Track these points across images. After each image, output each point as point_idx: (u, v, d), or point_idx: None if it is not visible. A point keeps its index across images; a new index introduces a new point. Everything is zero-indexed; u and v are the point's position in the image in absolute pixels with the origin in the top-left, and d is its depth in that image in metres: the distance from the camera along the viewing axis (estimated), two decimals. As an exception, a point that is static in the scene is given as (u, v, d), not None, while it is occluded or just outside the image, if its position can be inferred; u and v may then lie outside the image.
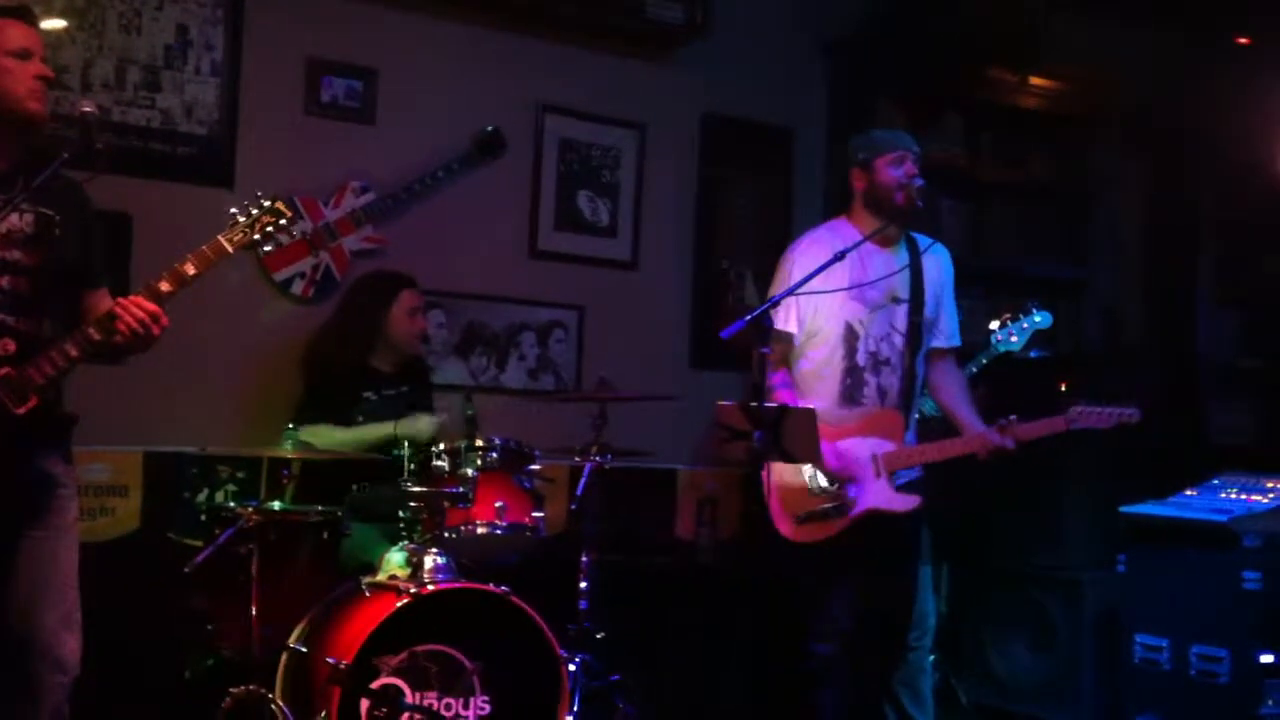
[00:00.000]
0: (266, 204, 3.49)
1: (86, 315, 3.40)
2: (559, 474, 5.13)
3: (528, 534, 4.44)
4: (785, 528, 4.17)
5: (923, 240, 4.35)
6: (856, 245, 4.08)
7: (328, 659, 3.76)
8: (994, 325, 5.10)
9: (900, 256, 4.30)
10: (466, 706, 3.95)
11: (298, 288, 5.18)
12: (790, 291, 3.98)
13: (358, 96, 5.33)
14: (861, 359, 4.23)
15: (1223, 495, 5.08)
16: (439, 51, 5.52)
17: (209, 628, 4.06)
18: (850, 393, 4.24)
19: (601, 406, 4.80)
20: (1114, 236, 6.90)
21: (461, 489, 4.28)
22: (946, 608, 5.63)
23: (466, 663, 3.95)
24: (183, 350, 4.53)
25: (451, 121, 5.49)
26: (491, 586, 4.00)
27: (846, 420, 4.18)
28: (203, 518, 4.26)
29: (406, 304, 4.89)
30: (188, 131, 5.01)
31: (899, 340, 4.26)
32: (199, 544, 4.05)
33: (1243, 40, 6.47)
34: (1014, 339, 5.05)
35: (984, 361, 5.10)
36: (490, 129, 5.51)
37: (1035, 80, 6.49)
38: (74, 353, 3.28)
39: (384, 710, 3.79)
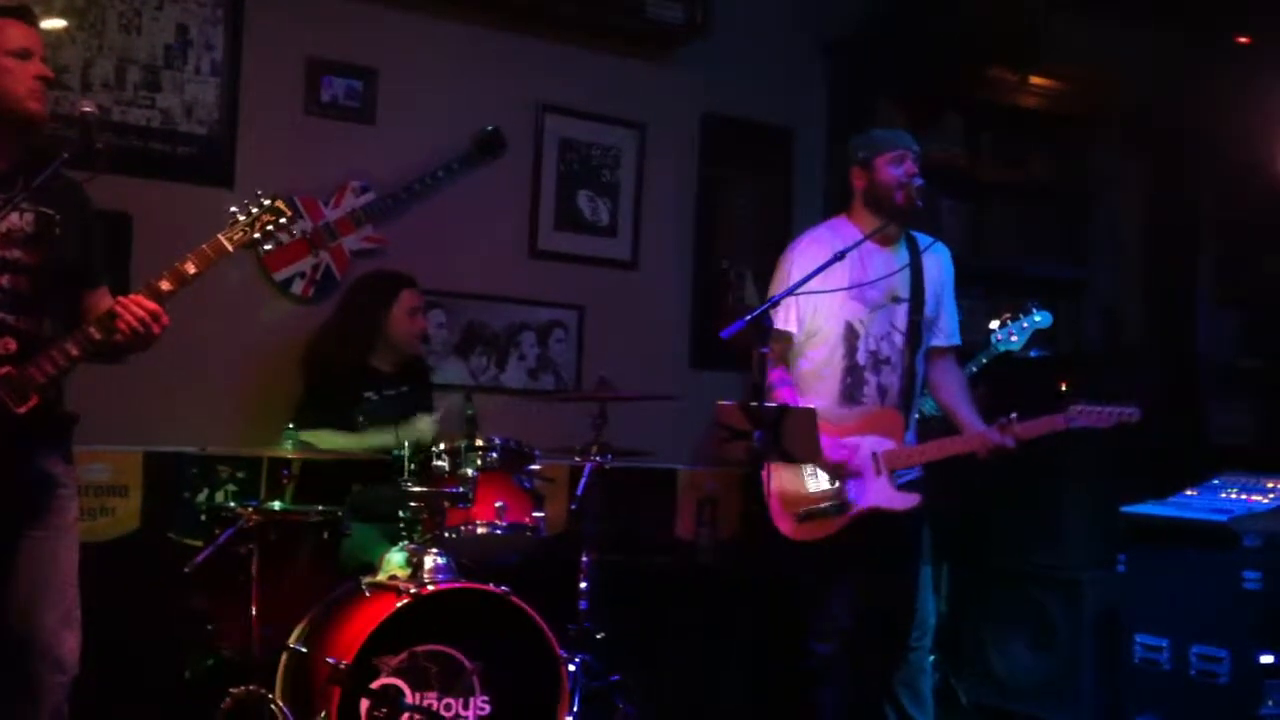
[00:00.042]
0: (266, 203, 3.49)
1: (87, 314, 3.40)
2: (559, 474, 5.13)
3: (528, 534, 4.44)
4: (785, 526, 4.17)
5: (923, 239, 4.36)
6: (857, 245, 4.08)
7: (328, 659, 3.76)
8: (994, 325, 5.10)
9: (900, 255, 4.30)
10: (466, 707, 3.95)
11: (298, 287, 5.18)
12: (790, 291, 3.98)
13: (358, 96, 5.33)
14: (862, 358, 4.23)
15: (1223, 495, 5.08)
16: (439, 51, 5.52)
17: (209, 628, 4.06)
18: (850, 392, 4.24)
19: (601, 406, 4.79)
20: (1114, 236, 6.90)
21: (461, 489, 4.28)
22: (946, 607, 5.63)
23: (466, 663, 3.95)
24: (183, 350, 4.53)
25: (451, 121, 5.49)
26: (491, 586, 4.00)
27: (847, 419, 4.18)
28: (203, 518, 4.26)
29: (407, 304, 4.89)
30: (188, 131, 5.01)
31: (899, 339, 4.26)
32: (199, 544, 4.05)
33: (1243, 40, 6.47)
34: (1014, 339, 5.06)
35: (984, 361, 5.10)
36: (490, 129, 5.51)
37: (1035, 80, 6.49)
38: (74, 352, 3.28)
39: (384, 710, 3.79)
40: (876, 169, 4.25)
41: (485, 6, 5.55)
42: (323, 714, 3.73)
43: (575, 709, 4.28)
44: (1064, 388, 5.83)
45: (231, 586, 4.00)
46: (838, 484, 4.12)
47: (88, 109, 3.43)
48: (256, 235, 3.49)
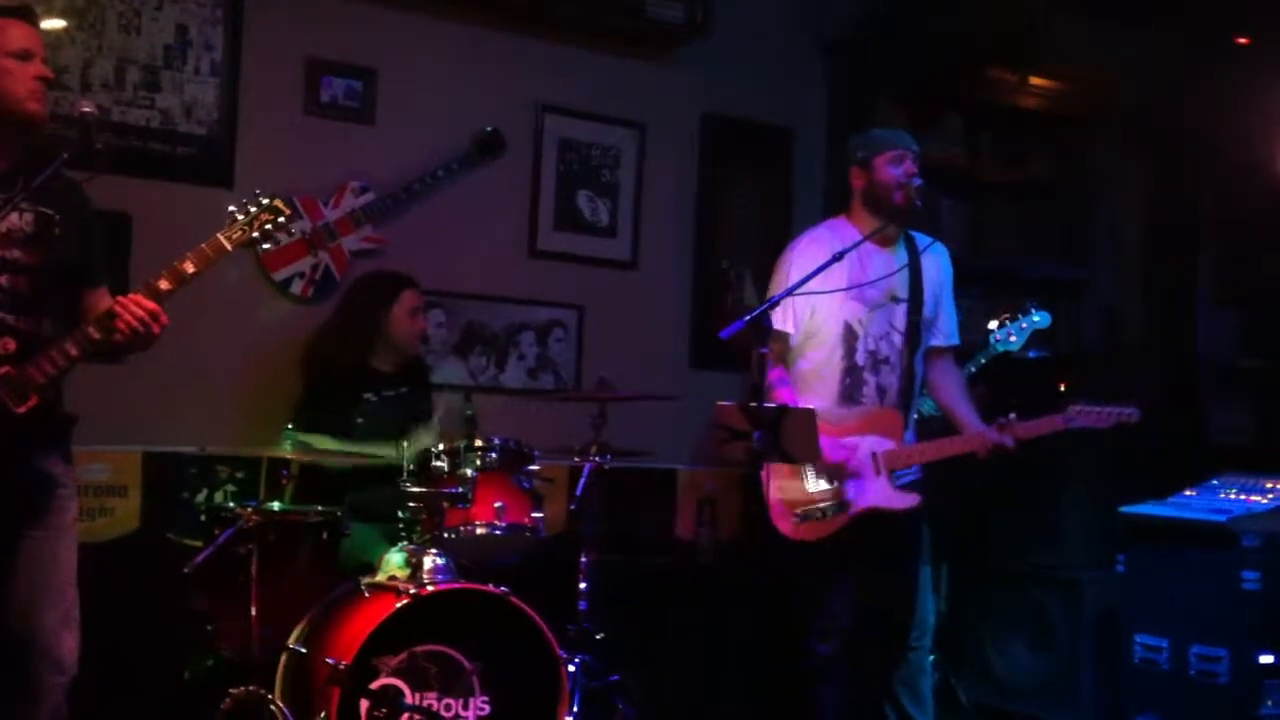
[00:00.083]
0: (265, 201, 3.49)
1: (86, 314, 3.40)
2: (558, 474, 5.13)
3: (527, 534, 4.44)
4: (785, 526, 4.17)
5: (922, 239, 4.35)
6: (856, 245, 4.08)
7: (327, 659, 3.76)
8: (993, 325, 5.09)
9: (899, 256, 4.30)
10: (466, 707, 3.95)
11: (297, 287, 5.17)
12: (789, 292, 3.98)
13: (357, 96, 5.32)
14: (861, 358, 4.23)
15: (1222, 495, 5.08)
16: (438, 51, 5.52)
17: (208, 628, 4.06)
18: (849, 392, 4.24)
19: (601, 406, 4.79)
20: (1114, 236, 6.90)
21: (461, 489, 4.28)
22: (946, 607, 5.63)
23: (466, 663, 3.95)
24: (182, 350, 4.53)
25: (451, 121, 5.49)
26: (491, 587, 4.00)
27: (846, 419, 4.18)
28: (202, 518, 4.26)
29: (407, 304, 4.89)
30: (187, 131, 5.01)
31: (898, 339, 4.26)
32: (198, 544, 4.05)
33: (1243, 40, 6.47)
34: (1013, 339, 5.05)
35: (983, 361, 5.10)
36: (490, 129, 5.50)
37: (1035, 80, 6.49)
38: (74, 351, 3.28)
39: (383, 711, 3.79)
40: (876, 169, 4.25)
41: (485, 7, 5.55)
42: (322, 714, 3.73)
43: (575, 709, 4.27)
44: (1063, 388, 5.83)
45: (231, 587, 4.00)
46: (837, 484, 4.12)
47: (87, 109, 3.44)
48: (255, 234, 3.49)
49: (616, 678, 4.66)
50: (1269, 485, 5.01)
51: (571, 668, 4.32)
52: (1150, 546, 5.07)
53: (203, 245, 3.39)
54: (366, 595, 3.98)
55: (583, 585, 4.70)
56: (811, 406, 3.94)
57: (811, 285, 3.96)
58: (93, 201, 3.53)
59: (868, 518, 4.10)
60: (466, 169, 5.47)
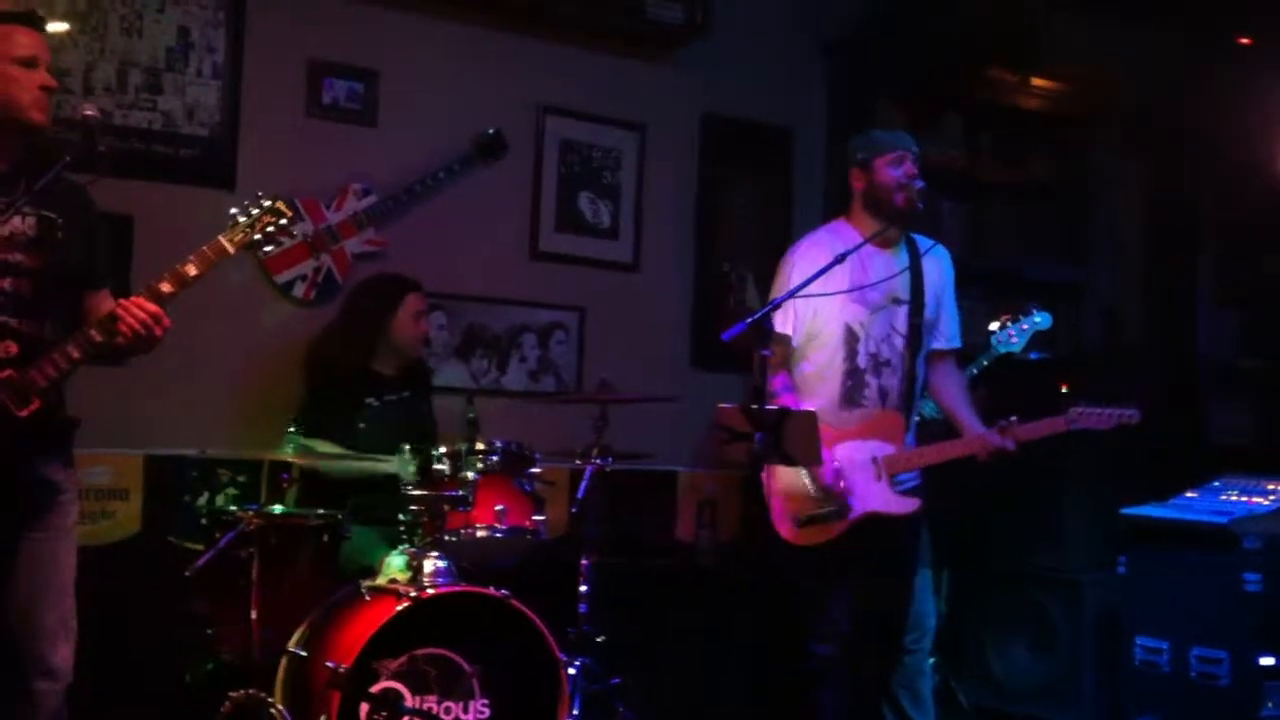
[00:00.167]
0: (267, 204, 3.49)
1: (88, 317, 3.40)
2: (559, 477, 5.12)
3: (528, 537, 4.44)
4: (786, 530, 4.17)
5: (923, 242, 4.35)
6: (857, 248, 4.07)
7: (328, 663, 3.76)
8: (993, 326, 5.09)
9: (900, 258, 4.30)
10: (466, 710, 3.95)
11: (299, 290, 5.17)
12: (791, 294, 3.97)
13: (359, 98, 5.32)
14: (862, 361, 4.23)
15: (1223, 497, 5.08)
16: (439, 53, 5.51)
17: (209, 631, 4.05)
18: (851, 394, 4.23)
19: (602, 408, 4.79)
20: (1114, 236, 6.90)
21: (462, 492, 4.27)
22: (946, 609, 5.63)
23: (466, 666, 3.95)
24: (184, 353, 4.53)
25: (452, 123, 5.49)
26: (492, 590, 4.00)
27: (847, 422, 4.19)
28: (203, 521, 4.26)
29: (411, 307, 4.88)
30: (189, 134, 5.01)
31: (899, 342, 4.26)
32: (199, 547, 4.05)
33: (1243, 40, 6.47)
34: (1014, 340, 5.05)
35: (984, 363, 5.10)
36: (491, 131, 5.50)
37: (1035, 80, 6.49)
38: (76, 354, 3.28)
39: (384, 714, 3.79)
40: (876, 170, 4.24)
41: (485, 7, 5.55)
42: (322, 718, 3.73)
43: (576, 712, 4.28)
44: (1065, 389, 5.83)
45: (232, 590, 4.00)
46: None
47: (90, 112, 3.45)
48: (257, 236, 3.49)
49: (617, 680, 4.66)
50: (1270, 487, 5.01)
51: (572, 670, 4.33)
52: (1151, 548, 5.08)
53: (204, 248, 3.40)
54: (367, 598, 3.98)
55: (583, 588, 4.70)
56: (813, 409, 3.94)
57: (813, 288, 3.96)
58: (96, 204, 3.53)
59: (868, 522, 4.10)
60: (468, 171, 5.47)
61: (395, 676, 3.84)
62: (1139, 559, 5.13)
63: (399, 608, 3.82)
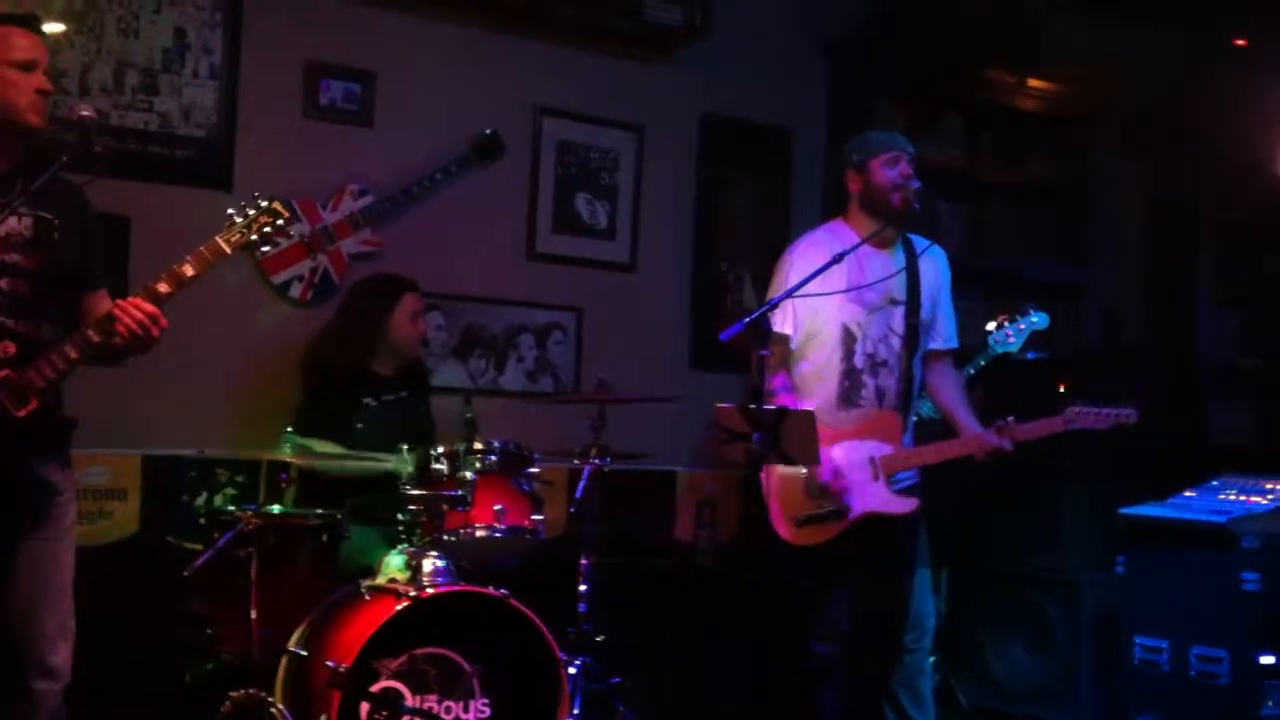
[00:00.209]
0: (263, 204, 3.49)
1: (86, 317, 3.40)
2: (558, 476, 5.12)
3: (527, 537, 4.44)
4: (785, 530, 4.17)
5: (920, 242, 4.35)
6: (854, 248, 4.07)
7: (327, 662, 3.76)
8: (991, 326, 5.08)
9: (897, 258, 4.30)
10: (466, 709, 3.95)
11: (296, 290, 5.17)
12: (789, 294, 3.98)
13: (356, 99, 5.32)
14: (859, 361, 4.23)
15: (1222, 496, 5.08)
16: (436, 54, 5.51)
17: (208, 631, 4.05)
18: (848, 394, 4.24)
19: (600, 408, 4.79)
20: (1114, 236, 6.90)
21: (461, 492, 4.27)
22: (946, 608, 5.63)
23: (466, 666, 3.95)
24: (181, 353, 4.52)
25: (449, 124, 5.49)
26: (491, 589, 4.00)
27: (845, 422, 4.19)
28: (202, 521, 4.26)
29: (409, 308, 4.88)
30: (186, 134, 5.01)
31: (896, 342, 4.26)
32: (198, 547, 4.05)
33: (1241, 41, 6.47)
34: (1011, 340, 5.04)
35: (982, 363, 5.09)
36: (489, 132, 5.50)
37: (1035, 81, 6.49)
38: (73, 355, 3.28)
39: (384, 713, 3.79)
40: (871, 171, 4.25)
41: (482, 9, 5.55)
42: (322, 717, 3.73)
43: (576, 711, 4.28)
44: (1064, 389, 5.83)
45: (231, 590, 4.00)
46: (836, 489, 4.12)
47: (86, 113, 3.44)
48: (254, 237, 3.49)
49: (617, 680, 4.66)
50: (1269, 486, 5.01)
51: (572, 670, 4.32)
52: (1150, 548, 5.07)
53: (202, 248, 3.40)
54: (367, 598, 3.98)
55: (583, 588, 4.70)
56: (811, 409, 3.94)
57: (810, 287, 3.96)
58: (92, 205, 3.53)
59: (867, 522, 4.10)
60: (465, 171, 5.47)
61: (395, 676, 3.84)
62: (1138, 558, 5.12)
63: (399, 607, 3.82)
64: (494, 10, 5.56)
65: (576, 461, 4.77)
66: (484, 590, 3.99)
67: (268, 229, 3.50)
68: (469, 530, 4.31)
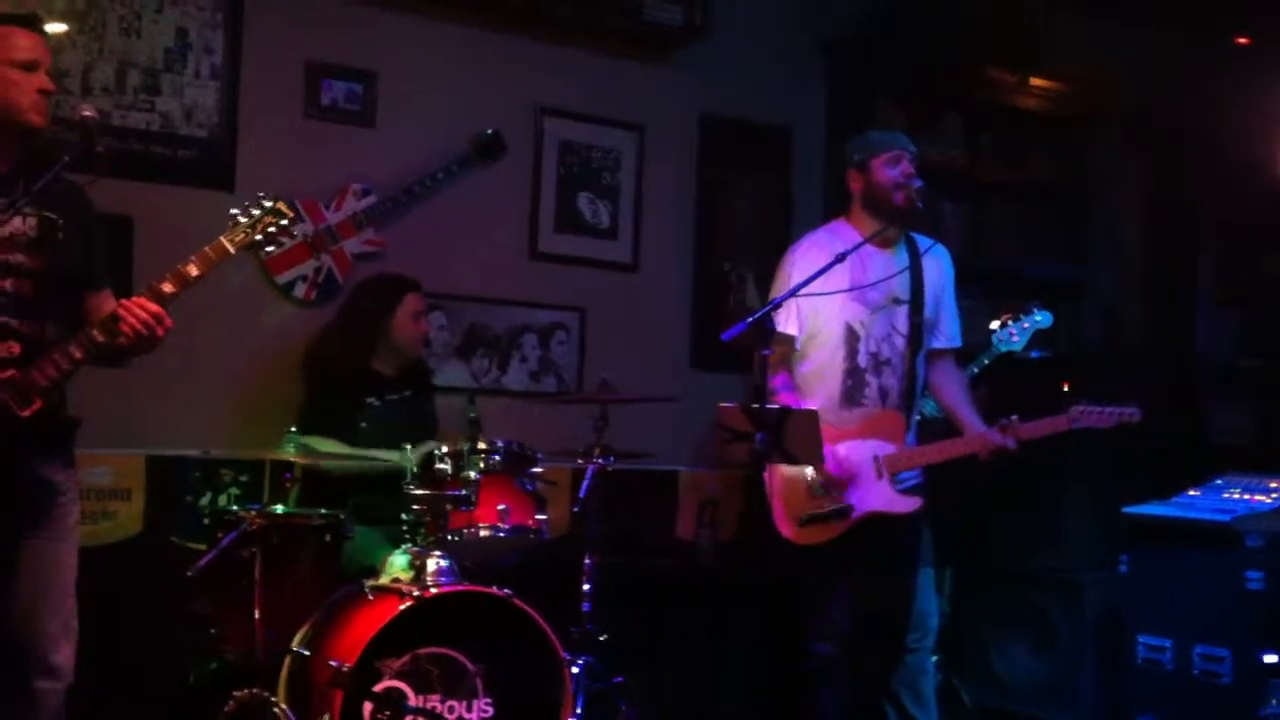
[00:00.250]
0: (268, 204, 3.49)
1: (90, 317, 3.40)
2: (561, 476, 5.12)
3: (530, 536, 4.44)
4: (787, 530, 4.17)
5: (923, 241, 4.35)
6: (856, 247, 4.08)
7: (330, 662, 3.76)
8: (994, 325, 5.09)
9: (900, 258, 4.30)
10: (469, 709, 3.96)
11: (299, 290, 5.17)
12: (791, 294, 3.97)
13: (357, 99, 5.32)
14: (862, 360, 4.23)
15: (1225, 495, 5.08)
16: (437, 54, 5.51)
17: (212, 631, 4.05)
18: (851, 394, 4.23)
19: (603, 408, 4.79)
20: (1114, 236, 6.90)
21: (464, 492, 4.28)
22: (949, 608, 5.63)
23: (469, 665, 3.96)
24: (185, 353, 4.53)
25: (451, 123, 5.49)
26: (494, 589, 4.00)
27: (848, 422, 4.19)
28: (205, 521, 4.26)
29: (411, 307, 4.88)
30: (188, 135, 5.01)
31: (900, 341, 4.26)
32: (202, 547, 4.04)
33: (1241, 40, 6.47)
34: (1015, 339, 5.05)
35: (985, 362, 5.10)
36: (490, 132, 5.50)
37: (1035, 80, 6.49)
38: (78, 355, 3.28)
39: (387, 713, 3.80)
40: (873, 170, 4.25)
41: (483, 9, 5.55)
42: (325, 717, 3.73)
43: (579, 711, 4.28)
44: (1066, 388, 5.83)
45: (234, 590, 3.99)
46: (839, 489, 4.12)
47: (88, 113, 3.45)
48: (258, 237, 3.49)
49: (620, 679, 4.66)
50: (1272, 485, 5.01)
51: (575, 669, 4.32)
52: (1153, 547, 5.07)
53: (206, 248, 3.40)
54: (370, 598, 3.98)
55: (586, 587, 4.70)
56: (814, 408, 3.94)
57: (813, 287, 3.96)
58: (95, 205, 3.53)
59: (870, 522, 4.10)
60: (467, 171, 5.47)
61: (398, 676, 3.85)
62: (1141, 557, 5.12)
63: (402, 607, 3.82)
64: (495, 10, 5.56)
65: (579, 461, 4.77)
66: (487, 590, 4.00)
67: (272, 229, 3.49)
68: (472, 530, 4.31)
